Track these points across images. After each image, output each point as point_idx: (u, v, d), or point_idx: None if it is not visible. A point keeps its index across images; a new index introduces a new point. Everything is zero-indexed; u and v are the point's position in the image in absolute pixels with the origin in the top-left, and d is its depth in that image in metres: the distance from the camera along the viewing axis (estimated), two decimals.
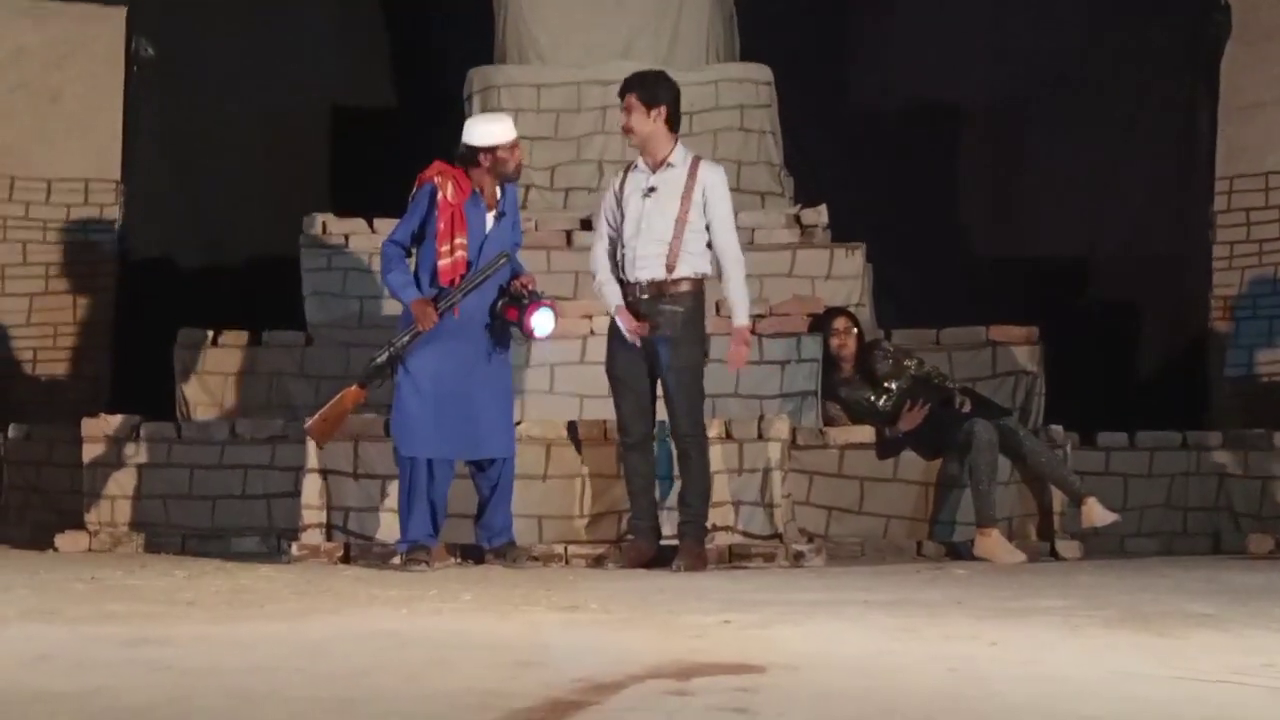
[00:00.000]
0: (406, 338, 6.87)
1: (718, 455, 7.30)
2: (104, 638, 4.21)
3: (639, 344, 6.92)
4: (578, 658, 3.89)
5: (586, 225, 8.95)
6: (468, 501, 7.12)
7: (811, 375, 8.19)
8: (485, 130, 7.02)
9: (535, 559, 7.15)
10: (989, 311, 9.00)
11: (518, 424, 7.28)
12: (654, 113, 6.98)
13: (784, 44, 10.52)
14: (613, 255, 7.05)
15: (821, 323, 8.27)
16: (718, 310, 7.63)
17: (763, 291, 8.41)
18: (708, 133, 9.56)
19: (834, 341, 8.18)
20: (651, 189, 6.98)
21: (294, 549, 7.35)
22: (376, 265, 7.82)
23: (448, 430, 6.86)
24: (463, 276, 6.87)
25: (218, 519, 8.08)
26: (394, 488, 7.18)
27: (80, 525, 8.11)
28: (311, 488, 7.46)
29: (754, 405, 8.07)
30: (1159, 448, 8.56)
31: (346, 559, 7.33)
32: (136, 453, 8.17)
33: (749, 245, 8.00)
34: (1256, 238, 10.27)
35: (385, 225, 8.06)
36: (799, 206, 9.34)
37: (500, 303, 6.93)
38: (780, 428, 7.44)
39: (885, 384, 8.07)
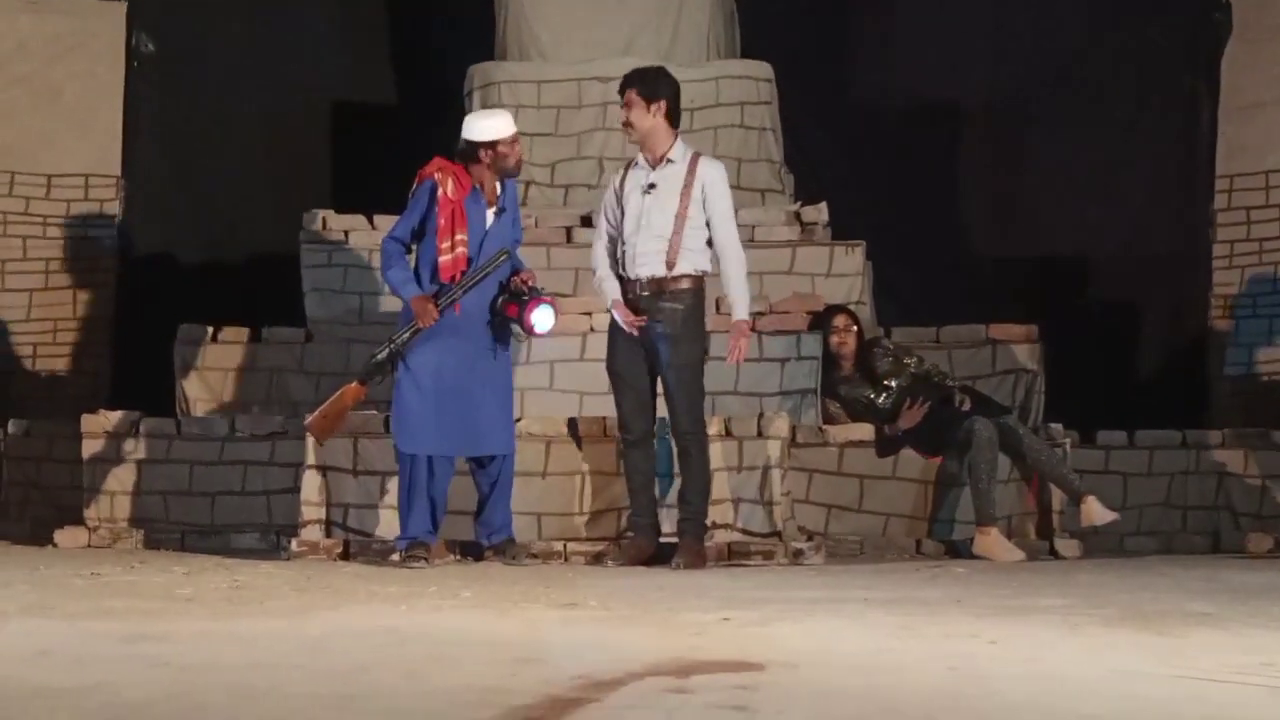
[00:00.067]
0: (407, 334, 6.87)
1: (717, 453, 7.30)
2: (103, 633, 4.21)
3: (637, 334, 6.92)
4: (577, 655, 3.89)
5: (587, 222, 8.95)
6: (467, 498, 7.12)
7: (811, 373, 8.19)
8: (485, 125, 7.02)
9: (535, 556, 7.15)
10: (989, 310, 9.01)
11: (518, 421, 7.27)
12: (654, 108, 6.97)
13: (785, 42, 10.53)
14: (613, 252, 7.05)
15: (821, 320, 8.27)
16: (718, 307, 7.63)
17: (763, 289, 8.41)
18: (708, 129, 9.55)
19: (834, 339, 8.18)
20: (651, 185, 6.98)
21: (293, 545, 7.35)
22: (377, 262, 7.81)
23: (448, 427, 6.86)
24: (463, 273, 6.87)
25: (217, 515, 8.08)
26: (393, 484, 7.17)
27: (80, 521, 8.11)
28: (311, 484, 7.46)
29: (754, 403, 8.06)
30: (1158, 446, 8.57)
31: (346, 555, 7.33)
32: (136, 449, 8.17)
33: (749, 242, 8.00)
34: (1256, 236, 10.27)
35: (385, 222, 8.06)
36: (799, 204, 9.34)
37: (500, 299, 6.93)
38: (780, 425, 7.44)
39: (885, 382, 8.06)
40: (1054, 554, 7.72)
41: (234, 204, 10.80)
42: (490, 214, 6.99)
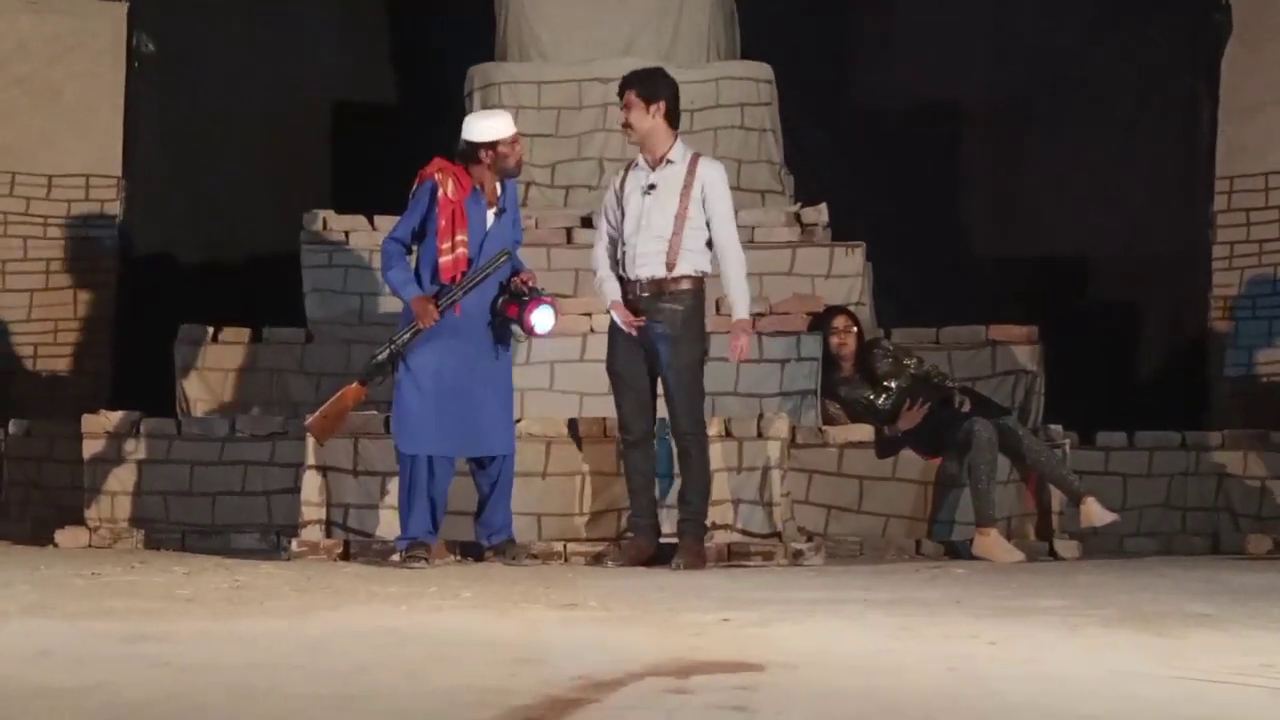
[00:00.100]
0: (407, 335, 6.87)
1: (717, 453, 7.30)
2: (104, 634, 4.21)
3: (635, 333, 6.93)
4: (577, 655, 3.89)
5: (587, 223, 8.95)
6: (467, 499, 7.12)
7: (811, 374, 8.19)
8: (485, 126, 7.02)
9: (535, 556, 7.15)
10: (989, 311, 9.01)
11: (518, 421, 7.28)
12: (653, 108, 6.98)
13: (785, 43, 10.53)
14: (613, 254, 7.06)
15: (821, 321, 8.27)
16: (718, 308, 7.63)
17: (763, 290, 8.41)
18: (708, 130, 9.55)
19: (834, 340, 8.18)
20: (651, 186, 6.98)
21: (294, 546, 7.35)
22: (377, 262, 7.81)
23: (448, 427, 6.86)
24: (464, 274, 6.87)
25: (218, 515, 8.08)
26: (394, 485, 7.18)
27: (80, 521, 8.11)
28: (311, 484, 7.46)
29: (754, 404, 8.07)
30: (1158, 447, 8.56)
31: (346, 556, 7.33)
32: (137, 449, 8.17)
33: (749, 243, 8.00)
34: (1256, 238, 10.27)
35: (386, 222, 8.06)
36: (799, 205, 9.34)
37: (501, 300, 6.93)
38: (780, 426, 7.44)
39: (885, 383, 8.07)
40: (1053, 555, 7.72)
41: (234, 204, 10.80)
42: (491, 214, 7.00)
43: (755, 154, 9.70)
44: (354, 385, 7.03)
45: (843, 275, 8.88)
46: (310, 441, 7.39)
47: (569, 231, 9.06)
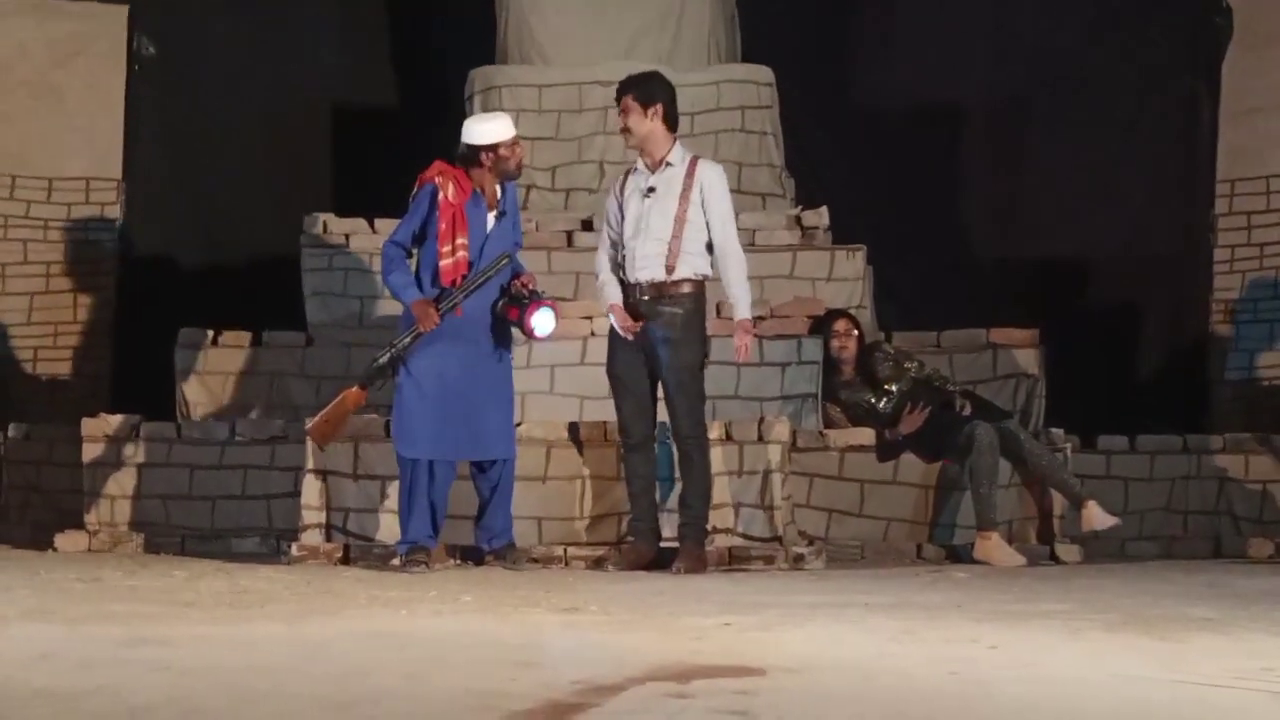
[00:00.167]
0: (408, 338, 6.87)
1: (718, 457, 7.29)
2: (104, 638, 4.21)
3: (632, 338, 6.92)
4: (577, 659, 3.89)
5: (588, 226, 8.96)
6: (468, 503, 7.11)
7: (812, 377, 8.19)
8: (485, 129, 7.01)
9: (535, 560, 7.14)
10: (989, 313, 9.01)
11: (518, 425, 7.27)
12: (650, 112, 6.98)
13: (785, 44, 10.53)
14: (615, 258, 7.05)
15: (822, 325, 8.28)
16: (718, 312, 7.63)
17: (763, 293, 8.41)
18: (709, 134, 9.56)
19: (834, 344, 8.18)
20: (651, 189, 6.98)
21: (294, 550, 7.34)
22: (377, 265, 7.79)
23: (448, 431, 6.85)
24: (464, 277, 6.86)
25: (217, 519, 8.07)
26: (394, 489, 7.17)
27: (80, 525, 8.10)
28: (311, 488, 7.45)
29: (754, 407, 8.07)
30: (1159, 451, 8.56)
31: (346, 560, 7.32)
32: (136, 453, 8.17)
33: (749, 246, 8.00)
34: (1257, 241, 10.28)
35: (386, 225, 8.06)
36: (800, 208, 9.35)
37: (501, 303, 6.93)
38: (780, 430, 7.43)
39: (886, 386, 8.07)
40: (1055, 559, 7.72)
41: (234, 207, 10.81)
42: (491, 218, 6.99)
43: (756, 157, 9.70)
44: (354, 389, 7.02)
45: (843, 279, 8.88)
46: (310, 445, 7.38)
47: (569, 235, 9.06)
